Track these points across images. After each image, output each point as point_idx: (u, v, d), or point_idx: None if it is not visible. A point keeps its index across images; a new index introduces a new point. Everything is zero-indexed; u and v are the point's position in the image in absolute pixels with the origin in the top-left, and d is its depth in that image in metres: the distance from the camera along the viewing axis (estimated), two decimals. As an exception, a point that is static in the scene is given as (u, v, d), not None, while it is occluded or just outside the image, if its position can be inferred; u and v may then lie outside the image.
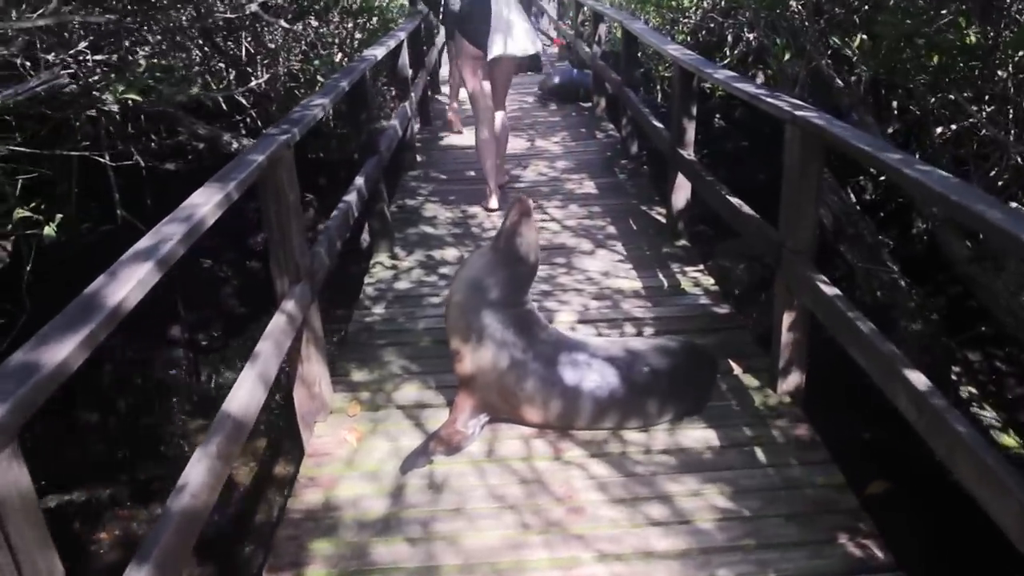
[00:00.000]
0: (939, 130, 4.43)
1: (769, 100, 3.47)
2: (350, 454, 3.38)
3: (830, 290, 2.98)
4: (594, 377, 3.27)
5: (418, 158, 7.86)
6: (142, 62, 6.21)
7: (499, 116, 6.12)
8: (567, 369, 3.28)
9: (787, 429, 3.36)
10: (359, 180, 4.73)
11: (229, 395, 2.63)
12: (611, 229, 5.88)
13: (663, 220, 5.84)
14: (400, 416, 3.64)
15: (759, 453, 3.22)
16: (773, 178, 6.73)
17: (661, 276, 4.99)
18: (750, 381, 3.72)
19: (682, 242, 5.51)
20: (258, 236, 7.24)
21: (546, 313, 4.52)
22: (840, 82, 5.47)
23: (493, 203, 6.25)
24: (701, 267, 5.12)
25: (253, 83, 6.97)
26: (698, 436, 3.34)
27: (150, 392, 5.93)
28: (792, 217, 3.25)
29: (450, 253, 5.55)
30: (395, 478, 3.19)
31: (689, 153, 5.17)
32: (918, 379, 2.38)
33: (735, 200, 4.05)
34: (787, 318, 3.41)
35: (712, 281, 4.90)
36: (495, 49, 5.56)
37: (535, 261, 3.42)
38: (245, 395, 2.65)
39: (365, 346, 4.29)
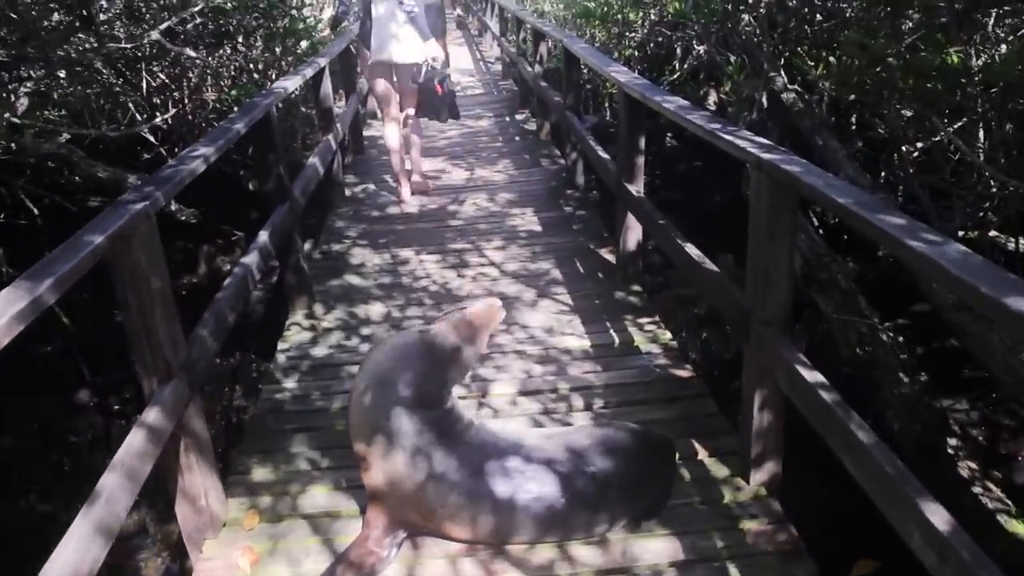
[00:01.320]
0: (907, 149, 3.97)
1: (728, 139, 2.96)
2: (241, 588, 2.77)
3: (812, 375, 2.45)
4: (531, 487, 2.70)
5: (347, 193, 7.25)
6: (24, 100, 5.52)
7: (403, 116, 6.63)
8: (497, 479, 2.71)
9: (764, 534, 2.82)
10: (262, 237, 4.12)
11: (51, 557, 2.01)
12: (556, 273, 5.33)
13: (613, 260, 5.31)
14: (305, 529, 3.02)
15: (732, 570, 2.67)
16: (731, 200, 6.33)
17: (612, 331, 4.45)
18: (717, 469, 3.18)
19: (635, 287, 4.98)
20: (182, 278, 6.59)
21: (482, 383, 3.95)
22: (800, 103, 5.01)
23: (405, 194, 6.92)
24: (656, 319, 4.59)
25: (159, 118, 6.32)
26: (659, 548, 2.78)
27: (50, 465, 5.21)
28: (761, 281, 2.72)
29: (375, 310, 4.95)
30: (291, 625, 2.59)
31: (638, 189, 4.65)
32: (938, 515, 1.86)
33: (692, 250, 3.52)
34: (758, 398, 2.89)
35: (669, 336, 4.37)
36: (376, 54, 6.20)
37: (470, 366, 2.88)
38: (72, 557, 2.03)
39: (270, 433, 3.67)
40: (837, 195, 2.22)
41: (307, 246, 5.92)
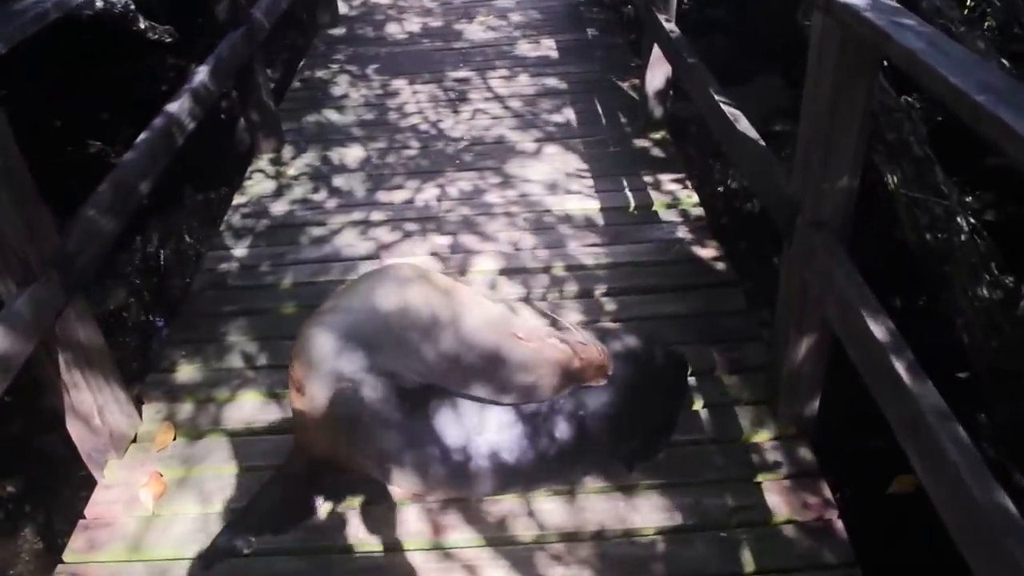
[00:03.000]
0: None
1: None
2: (140, 529, 2.26)
3: (875, 320, 1.72)
4: (492, 439, 2.09)
5: (341, 10, 6.27)
6: None
7: None
8: (450, 426, 2.09)
9: (789, 494, 2.20)
10: (199, 75, 3.33)
11: None
12: (568, 112, 4.49)
13: (638, 98, 4.44)
14: (226, 451, 2.49)
15: (743, 548, 2.08)
16: (791, 28, 5.18)
17: (627, 191, 3.68)
18: (738, 391, 2.54)
19: (659, 135, 4.15)
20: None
21: (461, 255, 3.28)
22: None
23: None
24: (683, 176, 3.79)
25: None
26: (650, 508, 2.19)
27: None
28: (814, 168, 1.94)
29: (352, 155, 4.21)
30: (190, 584, 2.10)
31: (669, 20, 3.71)
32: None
33: (729, 109, 2.68)
34: (797, 316, 2.19)
35: (695, 200, 3.59)
36: None
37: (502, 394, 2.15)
38: None
39: (205, 317, 3.08)
40: (957, 76, 1.36)
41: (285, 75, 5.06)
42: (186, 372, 2.81)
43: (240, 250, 3.46)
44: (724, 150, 2.71)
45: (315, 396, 2.06)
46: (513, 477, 2.15)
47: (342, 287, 2.19)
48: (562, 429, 2.13)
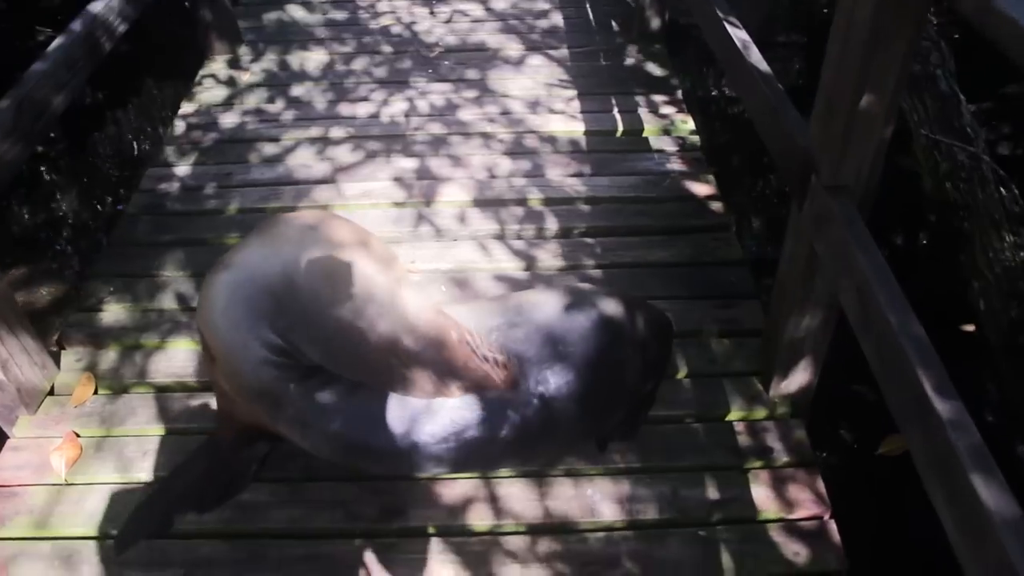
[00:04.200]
0: None
1: None
2: (50, 500, 2.01)
3: (900, 317, 1.42)
4: (441, 418, 1.81)
5: None
6: None
7: None
8: (394, 403, 1.80)
9: (779, 487, 1.96)
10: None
11: None
12: (556, 18, 4.06)
13: (633, 4, 4.00)
14: (150, 410, 2.22)
15: (722, 547, 1.85)
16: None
17: (617, 111, 3.32)
18: (726, 359, 2.26)
19: (656, 47, 3.74)
20: None
21: (428, 183, 2.94)
22: None
23: None
24: (679, 97, 3.42)
25: None
26: (618, 497, 1.95)
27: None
28: (838, 125, 1.60)
29: (315, 59, 3.79)
30: (105, 562, 1.86)
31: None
32: None
33: (738, 34, 2.29)
34: (801, 290, 1.89)
35: (691, 126, 3.23)
36: None
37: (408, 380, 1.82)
38: None
39: (139, 248, 2.75)
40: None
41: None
42: (113, 312, 2.51)
43: (183, 167, 3.10)
44: (727, 82, 2.33)
45: (226, 364, 1.77)
46: (465, 460, 1.88)
47: (262, 226, 1.85)
48: (523, 410, 1.85)
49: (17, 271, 3.22)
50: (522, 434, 1.84)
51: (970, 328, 2.59)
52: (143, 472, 2.06)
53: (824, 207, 1.69)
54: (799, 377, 2.07)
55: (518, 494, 1.95)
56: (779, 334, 2.02)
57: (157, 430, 2.16)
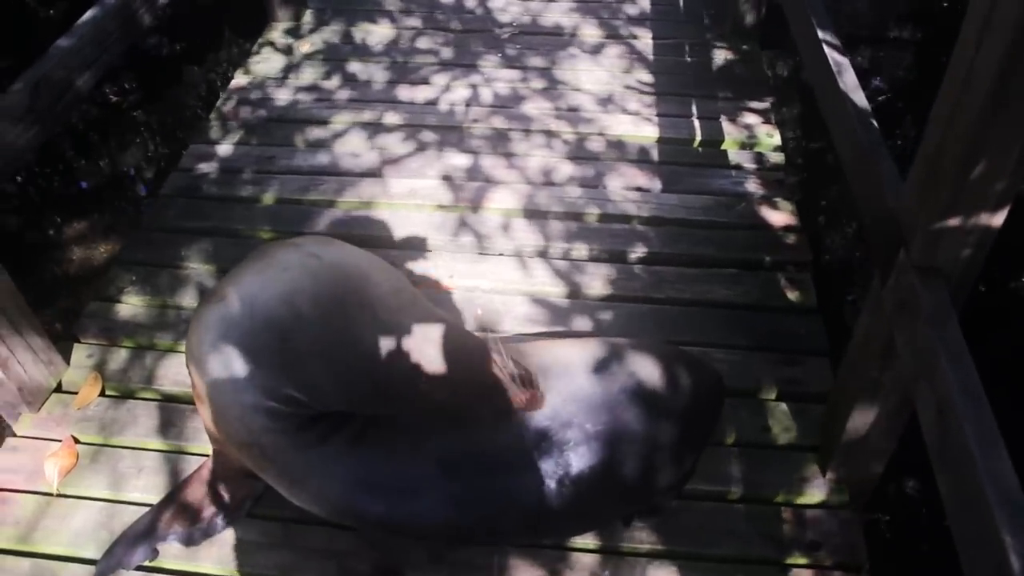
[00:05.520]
0: None
1: None
2: (37, 511, 1.90)
3: (988, 452, 1.14)
4: (446, 485, 1.61)
5: None
6: None
7: None
8: (386, 463, 1.61)
9: (825, 593, 1.70)
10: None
11: None
12: (643, 2, 3.73)
13: (729, -9, 3.64)
14: (152, 420, 2.09)
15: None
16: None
17: (696, 117, 3.01)
18: (783, 427, 1.99)
19: (747, 45, 3.39)
20: None
21: (478, 186, 2.72)
22: None
23: None
24: (767, 105, 3.08)
25: None
26: (646, 585, 1.72)
27: None
28: (942, 188, 1.31)
29: (381, 32, 3.59)
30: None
31: None
32: None
33: (834, 55, 1.96)
34: (875, 373, 1.60)
35: (777, 141, 2.91)
36: None
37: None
38: None
39: (167, 234, 2.63)
40: None
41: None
42: (131, 304, 2.38)
43: (225, 146, 2.95)
44: (819, 108, 2.01)
45: (213, 409, 1.60)
46: (470, 536, 1.69)
47: (259, 252, 1.67)
48: (534, 484, 1.63)
49: (66, 231, 3.14)
50: (535, 512, 1.63)
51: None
52: (136, 491, 1.94)
53: (910, 292, 1.40)
54: (861, 464, 1.79)
55: (525, 568, 1.74)
56: (844, 414, 1.74)
57: (156, 444, 2.03)
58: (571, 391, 1.69)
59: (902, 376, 1.52)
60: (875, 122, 1.73)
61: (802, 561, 1.74)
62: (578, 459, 1.62)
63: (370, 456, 1.59)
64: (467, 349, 1.64)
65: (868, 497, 1.83)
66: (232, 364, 1.52)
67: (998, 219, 1.29)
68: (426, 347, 1.57)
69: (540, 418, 1.66)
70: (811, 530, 1.78)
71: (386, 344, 1.54)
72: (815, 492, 1.85)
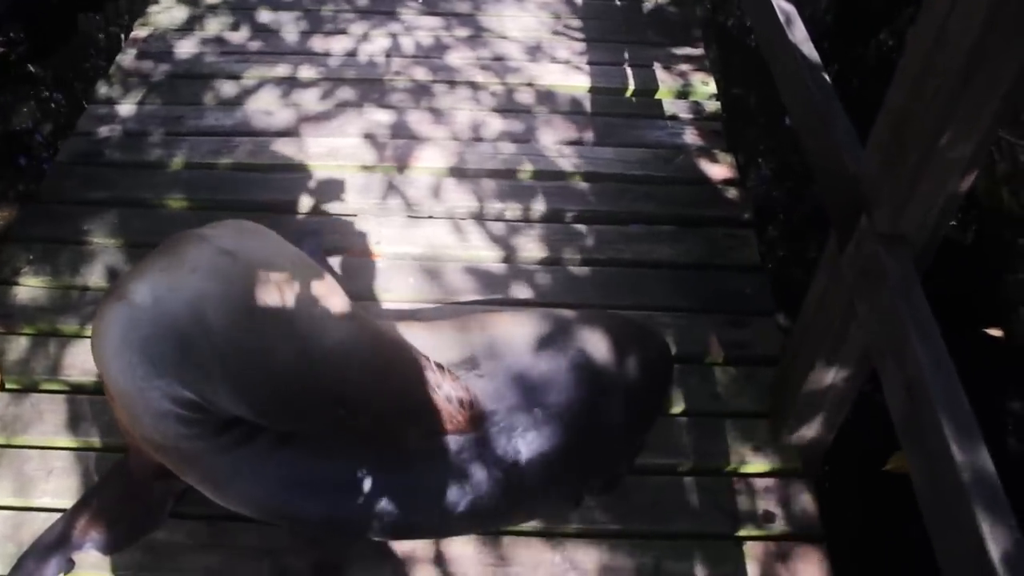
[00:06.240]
0: None
1: None
2: (-69, 521, 1.73)
3: (962, 429, 1.09)
4: (380, 480, 1.50)
5: None
6: None
7: None
8: (317, 458, 1.50)
9: (778, 565, 1.66)
10: None
11: None
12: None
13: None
14: (63, 414, 1.91)
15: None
16: None
17: (628, 65, 2.90)
18: (733, 393, 1.94)
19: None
20: None
21: (400, 144, 2.56)
22: None
23: None
24: (702, 52, 2.99)
25: None
26: (592, 569, 1.65)
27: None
28: (908, 155, 1.23)
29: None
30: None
31: None
32: None
33: (781, 3, 1.87)
34: (831, 342, 1.55)
35: (713, 89, 2.83)
36: None
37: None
38: None
39: (66, 206, 2.40)
40: None
41: None
42: (29, 286, 2.18)
43: (127, 106, 2.71)
44: (767, 63, 1.92)
45: (123, 410, 1.46)
46: (410, 530, 1.59)
47: (166, 245, 1.51)
48: (484, 477, 1.54)
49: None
50: (482, 504, 1.54)
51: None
52: (45, 496, 1.77)
53: (874, 260, 1.33)
54: (814, 430, 1.75)
55: (472, 557, 1.66)
56: (797, 380, 1.69)
57: (65, 442, 1.86)
58: (514, 372, 1.59)
59: (863, 344, 1.47)
60: (827, 76, 1.64)
61: (758, 534, 1.70)
62: (524, 443, 1.54)
63: (299, 454, 1.47)
64: (397, 367, 1.52)
65: (820, 463, 1.80)
66: (136, 369, 1.38)
67: (966, 183, 1.23)
68: (348, 367, 1.45)
69: (484, 398, 1.57)
70: (765, 500, 1.75)
71: (301, 362, 1.41)
72: (767, 460, 1.81)
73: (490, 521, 1.63)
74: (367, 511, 1.51)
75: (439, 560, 1.65)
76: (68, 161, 2.52)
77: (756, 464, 1.81)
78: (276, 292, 1.41)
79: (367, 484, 1.50)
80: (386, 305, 2.10)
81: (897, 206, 1.28)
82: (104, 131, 2.62)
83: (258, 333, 1.40)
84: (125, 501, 1.71)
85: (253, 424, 1.48)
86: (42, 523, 1.71)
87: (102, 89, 2.78)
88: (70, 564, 1.66)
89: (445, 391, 1.53)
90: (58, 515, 1.71)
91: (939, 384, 1.14)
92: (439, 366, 1.57)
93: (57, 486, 1.78)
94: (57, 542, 1.67)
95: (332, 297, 1.48)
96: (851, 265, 1.41)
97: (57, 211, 2.37)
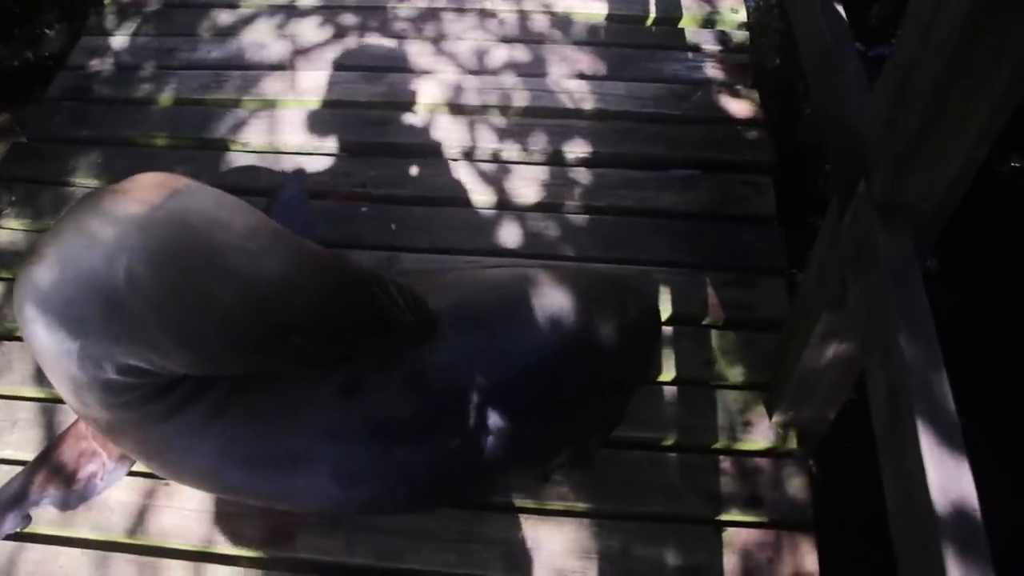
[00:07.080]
0: None
1: None
2: None
3: (946, 453, 0.92)
4: (329, 449, 1.41)
5: None
6: None
7: None
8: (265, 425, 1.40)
9: (759, 557, 1.53)
10: None
11: None
12: None
13: None
14: (30, 362, 1.87)
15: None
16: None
17: (650, -11, 2.64)
18: (729, 361, 1.78)
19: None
20: None
21: (401, 76, 2.40)
22: None
23: None
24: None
25: None
26: (560, 555, 1.54)
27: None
28: (914, 111, 1.03)
29: None
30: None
31: None
32: None
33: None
34: (827, 322, 1.37)
35: (742, 18, 2.56)
36: None
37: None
38: None
39: (53, 144, 2.34)
40: None
41: None
42: (9, 229, 2.15)
43: (121, 37, 2.60)
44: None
45: (51, 375, 1.38)
46: (365, 508, 1.50)
47: (84, 202, 1.40)
48: (445, 448, 1.43)
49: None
50: (443, 480, 1.44)
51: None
52: (8, 447, 1.75)
53: (868, 234, 1.14)
54: (811, 411, 1.59)
55: (431, 532, 1.56)
56: (793, 355, 1.52)
57: (32, 392, 1.83)
58: (483, 334, 1.47)
59: (854, 328, 1.29)
60: (842, 10, 1.42)
61: (741, 519, 1.56)
62: (492, 413, 1.42)
63: (236, 426, 1.38)
64: (343, 285, 1.39)
65: (817, 445, 1.64)
66: (56, 335, 1.29)
67: (981, 151, 1.02)
68: (293, 293, 1.33)
69: (446, 366, 1.45)
70: (752, 483, 1.60)
71: (243, 296, 1.30)
72: (759, 438, 1.66)
73: (450, 501, 1.52)
74: (311, 488, 1.42)
75: (398, 532, 1.56)
76: (57, 97, 2.44)
77: (747, 442, 1.65)
78: (202, 234, 1.30)
79: (311, 460, 1.41)
80: (363, 255, 1.98)
81: (898, 171, 1.08)
82: (95, 64, 2.52)
83: (190, 276, 1.30)
84: (84, 457, 1.66)
85: (188, 393, 1.39)
86: (3, 475, 1.68)
87: (98, 20, 2.66)
88: (27, 520, 1.63)
89: (394, 297, 1.42)
90: (20, 468, 1.67)
91: (925, 395, 0.97)
92: (380, 276, 1.45)
93: (20, 438, 1.75)
94: (15, 498, 1.63)
95: (266, 230, 1.36)
96: (848, 238, 1.22)
97: (42, 150, 2.30)
